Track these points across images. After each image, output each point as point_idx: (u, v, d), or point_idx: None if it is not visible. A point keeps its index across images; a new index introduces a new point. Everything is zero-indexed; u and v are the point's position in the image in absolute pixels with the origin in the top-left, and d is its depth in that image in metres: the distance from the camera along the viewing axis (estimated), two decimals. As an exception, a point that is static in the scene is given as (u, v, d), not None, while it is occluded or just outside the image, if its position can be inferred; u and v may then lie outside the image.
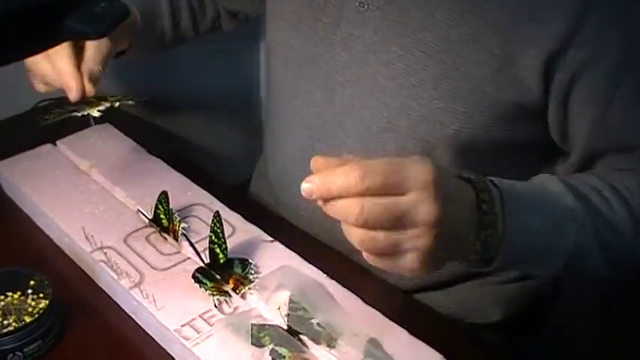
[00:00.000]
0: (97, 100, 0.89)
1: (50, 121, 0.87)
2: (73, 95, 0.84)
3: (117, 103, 0.88)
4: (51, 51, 0.83)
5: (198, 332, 0.75)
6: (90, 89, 0.86)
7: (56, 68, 0.85)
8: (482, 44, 0.81)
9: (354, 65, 0.89)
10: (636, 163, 0.86)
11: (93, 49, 0.88)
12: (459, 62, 0.82)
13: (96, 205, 0.93)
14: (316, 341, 0.74)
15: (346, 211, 0.61)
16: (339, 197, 0.61)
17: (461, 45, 0.81)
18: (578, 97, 0.82)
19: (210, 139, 1.60)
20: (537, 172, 0.90)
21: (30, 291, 0.81)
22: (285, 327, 0.76)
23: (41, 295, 0.80)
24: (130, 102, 0.92)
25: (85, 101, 0.86)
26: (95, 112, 0.86)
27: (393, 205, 0.62)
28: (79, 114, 0.87)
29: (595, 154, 0.87)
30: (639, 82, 0.82)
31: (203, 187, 0.97)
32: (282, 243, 0.87)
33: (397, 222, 0.63)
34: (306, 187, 0.62)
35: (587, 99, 0.82)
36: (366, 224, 0.62)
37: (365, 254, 0.65)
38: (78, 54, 0.86)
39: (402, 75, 0.85)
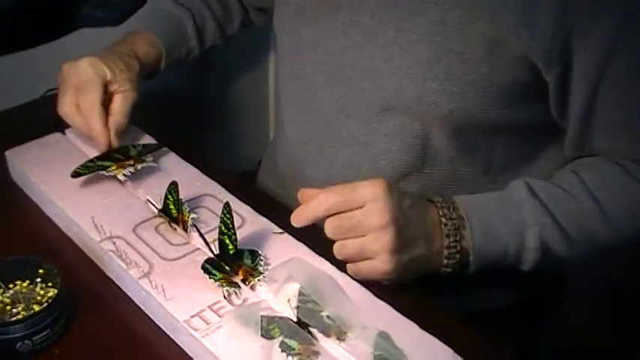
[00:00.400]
0: (121, 154, 0.97)
1: (81, 173, 0.93)
2: (101, 149, 0.96)
3: (140, 166, 0.94)
4: (83, 107, 0.96)
5: (207, 323, 0.75)
6: (115, 143, 0.97)
7: (87, 124, 0.96)
8: (476, 27, 0.83)
9: (351, 49, 0.92)
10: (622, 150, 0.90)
11: (120, 101, 0.99)
12: (453, 44, 0.85)
13: (105, 195, 0.93)
14: (326, 334, 0.74)
15: (326, 231, 0.80)
16: (315, 219, 0.80)
17: (455, 27, 0.84)
18: (572, 74, 0.85)
19: (218, 127, 1.60)
20: (536, 154, 0.93)
21: (39, 280, 0.80)
22: (295, 319, 0.75)
23: (50, 284, 0.80)
24: (151, 161, 0.97)
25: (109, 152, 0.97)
26: (120, 175, 0.93)
27: (349, 216, 0.79)
28: (107, 174, 0.93)
29: (589, 135, 0.90)
30: (633, 60, 0.85)
31: (211, 177, 0.96)
32: (292, 234, 0.87)
33: (356, 230, 0.79)
34: (292, 222, 0.81)
35: (581, 76, 0.85)
36: (335, 236, 0.80)
37: (349, 269, 0.82)
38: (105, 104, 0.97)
39: (397, 57, 0.88)
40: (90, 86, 0.95)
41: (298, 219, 0.82)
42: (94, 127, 0.95)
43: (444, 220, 0.83)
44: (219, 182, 0.95)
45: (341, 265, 0.82)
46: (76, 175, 0.92)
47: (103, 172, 0.93)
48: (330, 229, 0.80)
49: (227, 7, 1.20)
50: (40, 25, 0.56)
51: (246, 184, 1.07)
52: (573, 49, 0.83)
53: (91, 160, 0.95)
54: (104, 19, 0.58)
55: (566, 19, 0.81)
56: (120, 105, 0.99)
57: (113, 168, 0.94)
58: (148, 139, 1.03)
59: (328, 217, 0.80)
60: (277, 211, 0.91)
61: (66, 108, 0.97)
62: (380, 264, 0.80)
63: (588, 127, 0.89)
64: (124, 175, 0.92)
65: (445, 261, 0.84)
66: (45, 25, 0.57)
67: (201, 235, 0.83)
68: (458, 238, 0.83)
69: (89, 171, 0.93)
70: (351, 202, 0.79)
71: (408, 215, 0.81)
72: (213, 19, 1.17)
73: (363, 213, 0.79)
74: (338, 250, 0.81)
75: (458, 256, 0.84)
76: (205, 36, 1.17)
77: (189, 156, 1.01)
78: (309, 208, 0.81)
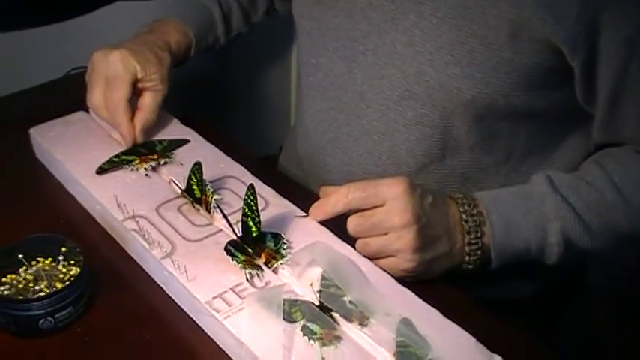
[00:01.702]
0: (147, 149, 0.97)
1: (106, 169, 0.93)
2: (127, 145, 0.96)
3: (162, 161, 0.95)
4: (109, 103, 0.95)
5: (229, 305, 0.75)
6: (140, 139, 0.97)
7: (114, 119, 0.96)
8: (498, 10, 0.82)
9: (373, 34, 0.91)
10: None
11: (149, 97, 0.98)
12: (475, 28, 0.84)
13: (128, 174, 0.93)
14: (348, 319, 0.73)
15: (348, 228, 0.81)
16: (334, 214, 0.81)
17: (476, 11, 0.83)
18: (598, 59, 0.84)
19: (241, 111, 1.60)
20: (557, 141, 0.92)
21: (61, 257, 0.80)
22: (317, 303, 0.75)
23: (72, 262, 0.80)
24: (176, 160, 0.96)
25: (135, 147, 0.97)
26: (142, 170, 0.93)
27: (371, 214, 0.80)
28: (129, 168, 0.93)
29: (617, 120, 0.89)
30: None
31: (234, 159, 0.96)
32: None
33: (378, 228, 0.80)
34: (311, 216, 0.84)
35: (607, 61, 0.84)
36: (358, 234, 0.81)
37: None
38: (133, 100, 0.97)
39: (419, 42, 0.87)
40: (118, 82, 0.94)
41: (317, 213, 0.83)
42: (121, 123, 0.95)
43: (464, 216, 0.83)
44: (241, 165, 0.95)
45: (364, 250, 0.82)
46: (100, 171, 0.92)
47: (126, 167, 0.93)
48: (352, 226, 0.81)
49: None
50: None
51: (267, 168, 1.07)
52: (600, 33, 0.82)
53: (116, 156, 0.95)
54: (139, -6, 0.57)
55: (591, 2, 0.79)
56: (149, 101, 0.98)
57: (137, 162, 0.94)
58: (175, 124, 1.03)
59: (349, 214, 0.81)
60: (299, 195, 0.90)
61: (95, 101, 0.96)
62: (402, 262, 0.81)
63: (616, 113, 0.88)
64: (145, 169, 0.93)
65: (467, 257, 0.84)
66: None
67: (225, 217, 0.83)
68: (479, 235, 0.83)
69: (114, 166, 0.93)
70: (372, 199, 0.80)
71: (430, 213, 0.81)
72: (239, 7, 1.17)
73: (384, 211, 0.80)
74: (360, 247, 0.81)
75: (479, 252, 0.84)
76: (232, 24, 1.17)
77: (212, 138, 1.00)
78: (329, 202, 0.82)
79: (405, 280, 0.81)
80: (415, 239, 0.79)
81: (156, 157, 0.95)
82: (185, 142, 1.00)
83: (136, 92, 0.97)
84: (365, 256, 0.81)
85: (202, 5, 1.13)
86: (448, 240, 0.82)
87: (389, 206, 0.80)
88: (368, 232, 0.80)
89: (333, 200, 0.81)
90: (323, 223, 0.85)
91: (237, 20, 1.17)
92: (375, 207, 0.80)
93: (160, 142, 0.99)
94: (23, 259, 0.79)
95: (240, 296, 0.76)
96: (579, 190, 0.87)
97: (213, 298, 0.76)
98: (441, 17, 0.85)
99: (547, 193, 0.85)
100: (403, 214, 0.79)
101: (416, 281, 0.81)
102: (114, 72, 0.95)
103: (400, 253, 0.80)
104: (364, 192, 0.80)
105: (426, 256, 0.81)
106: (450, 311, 0.75)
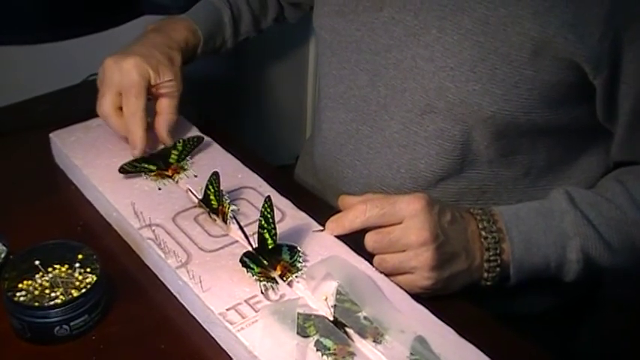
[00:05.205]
0: (162, 160, 0.96)
1: (128, 171, 0.93)
2: (135, 154, 0.95)
3: (177, 178, 0.94)
4: (126, 111, 0.94)
5: (243, 317, 0.75)
6: (169, 141, 0.97)
7: (129, 128, 0.95)
8: (520, 27, 0.82)
9: (394, 48, 0.91)
10: None
11: (167, 99, 0.98)
12: (497, 45, 0.83)
13: (146, 182, 0.93)
14: (362, 335, 0.73)
15: (366, 244, 0.81)
16: (351, 230, 0.81)
17: (498, 27, 0.83)
18: (620, 77, 0.83)
19: (256, 121, 1.60)
20: (577, 157, 0.92)
21: (77, 265, 0.81)
22: (332, 318, 0.75)
23: (88, 269, 0.80)
24: (191, 171, 0.96)
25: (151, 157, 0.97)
26: (157, 183, 0.93)
27: (388, 231, 0.80)
28: (146, 177, 0.94)
29: (635, 141, 0.89)
30: None
31: (250, 169, 0.96)
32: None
33: (395, 246, 0.80)
34: (328, 230, 0.83)
35: (629, 80, 0.83)
36: (375, 250, 0.81)
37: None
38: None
39: (440, 57, 0.87)
40: (134, 91, 0.94)
41: (334, 228, 0.83)
42: (135, 132, 0.94)
43: (483, 233, 0.83)
44: (257, 174, 0.95)
45: (379, 265, 0.82)
46: (123, 171, 0.93)
47: (144, 175, 0.94)
48: (369, 243, 0.81)
49: (264, 0, 1.19)
50: (104, 10, 0.55)
51: (284, 179, 1.06)
52: (623, 52, 0.81)
53: (137, 160, 0.95)
54: (169, 5, 0.57)
55: (615, 20, 0.79)
56: (167, 103, 0.98)
57: (153, 175, 0.94)
58: (193, 131, 1.03)
59: (366, 230, 0.81)
60: (316, 207, 0.90)
61: (105, 109, 0.96)
62: (419, 279, 0.81)
63: (637, 131, 0.88)
64: (159, 188, 0.92)
65: (485, 274, 0.84)
66: (109, 11, 0.56)
67: (241, 228, 0.82)
68: (498, 252, 0.83)
69: (134, 170, 0.94)
70: (390, 216, 0.80)
71: (448, 230, 0.81)
72: (250, 11, 1.17)
73: (402, 229, 0.80)
74: (377, 263, 0.81)
75: (498, 269, 0.83)
76: (240, 28, 1.16)
77: (229, 147, 1.00)
78: (347, 218, 0.82)
79: (422, 296, 0.81)
80: (432, 257, 0.79)
81: (170, 172, 0.95)
82: (200, 140, 0.99)
83: (150, 96, 0.97)
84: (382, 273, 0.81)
85: (213, 6, 1.13)
86: (467, 257, 0.82)
87: (406, 224, 0.80)
88: (385, 249, 0.80)
89: (351, 216, 0.81)
90: (339, 237, 0.85)
91: (246, 24, 1.17)
92: (393, 224, 0.80)
93: (175, 146, 0.98)
94: (40, 266, 0.79)
95: (254, 309, 0.76)
96: (599, 206, 0.86)
97: (227, 309, 0.75)
98: (463, 33, 0.85)
99: (567, 210, 0.85)
100: (420, 232, 0.79)
101: (432, 297, 0.81)
102: (128, 81, 0.94)
103: (417, 271, 0.80)
104: (382, 209, 0.80)
105: (444, 274, 0.81)
106: (465, 328, 0.75)
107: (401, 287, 0.80)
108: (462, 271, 0.82)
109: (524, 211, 0.86)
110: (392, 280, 0.81)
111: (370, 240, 0.81)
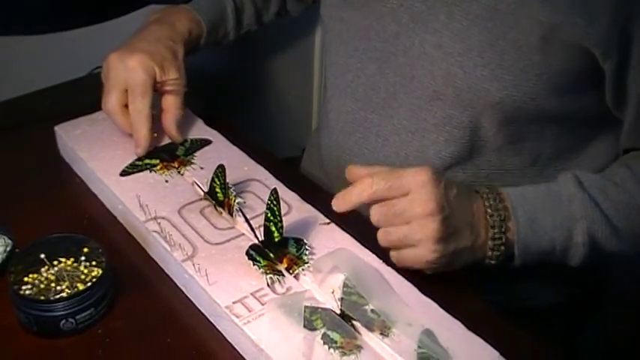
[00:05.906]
0: (168, 152, 0.97)
1: (130, 172, 0.93)
2: (139, 152, 0.95)
3: (183, 170, 0.94)
4: (132, 109, 0.94)
5: (249, 310, 0.74)
6: (179, 137, 0.98)
7: (134, 126, 0.95)
8: (529, 12, 0.81)
9: (402, 35, 0.91)
10: None
11: (172, 95, 0.98)
12: (505, 30, 0.83)
13: (151, 175, 0.93)
14: (369, 328, 0.72)
15: (371, 218, 0.80)
16: (358, 204, 0.79)
17: (507, 13, 0.82)
18: (630, 63, 0.83)
19: (262, 113, 1.59)
20: (585, 144, 0.91)
21: (83, 258, 0.80)
22: (338, 311, 0.74)
23: (94, 263, 0.80)
24: (197, 164, 0.96)
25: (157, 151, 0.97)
26: (164, 176, 0.93)
27: (394, 203, 0.78)
28: (151, 173, 0.93)
29: None
30: None
31: (256, 161, 0.96)
32: (338, 225, 0.85)
33: (400, 218, 0.78)
34: (334, 206, 0.81)
35: (639, 66, 0.83)
36: (380, 223, 0.79)
37: (392, 257, 0.81)
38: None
39: (448, 43, 0.86)
40: (140, 90, 0.94)
41: (340, 204, 0.81)
42: (140, 130, 0.94)
43: (489, 210, 0.82)
44: (263, 167, 0.95)
45: (387, 258, 0.81)
46: (124, 173, 0.92)
47: (150, 171, 0.93)
48: (375, 216, 0.80)
49: None
50: (108, 0, 0.55)
51: (289, 171, 1.06)
52: (633, 37, 0.81)
53: (139, 159, 0.95)
54: (174, -4, 0.56)
55: (625, 5, 0.78)
56: (173, 99, 0.98)
57: (158, 168, 0.94)
58: (199, 124, 1.03)
59: (372, 203, 0.80)
60: (322, 200, 0.89)
61: (111, 107, 0.95)
62: (424, 252, 0.79)
63: None
64: (166, 181, 0.92)
65: (490, 252, 0.82)
66: (113, 1, 0.55)
67: (247, 221, 0.82)
68: (503, 230, 0.82)
69: (137, 170, 0.93)
70: (396, 189, 0.79)
71: (454, 205, 0.80)
72: (252, 4, 1.16)
73: (408, 201, 0.78)
74: (382, 236, 0.80)
75: (503, 248, 0.82)
76: (243, 20, 1.15)
77: (234, 140, 1.00)
78: (353, 193, 0.80)
79: (426, 272, 0.80)
80: (438, 229, 0.78)
81: (176, 164, 0.95)
82: (207, 142, 0.99)
83: (155, 91, 0.97)
84: (386, 248, 0.80)
85: None
86: (471, 233, 0.81)
87: (412, 196, 0.78)
88: (390, 222, 0.79)
89: (357, 190, 0.79)
90: (346, 229, 0.84)
91: (248, 17, 1.16)
92: (399, 196, 0.79)
93: (182, 143, 0.98)
94: (45, 259, 0.79)
95: (260, 302, 0.75)
96: (608, 190, 0.85)
97: (234, 302, 0.75)
98: (472, 19, 0.84)
99: (574, 193, 0.84)
100: (426, 204, 0.78)
101: (437, 289, 0.80)
102: (134, 80, 0.94)
103: (422, 243, 0.79)
104: (388, 182, 0.79)
105: (449, 248, 0.79)
106: (473, 322, 0.74)
107: (403, 276, 0.79)
108: (466, 247, 0.81)
109: (531, 192, 0.85)
110: (394, 257, 0.80)
111: (375, 213, 0.79)
